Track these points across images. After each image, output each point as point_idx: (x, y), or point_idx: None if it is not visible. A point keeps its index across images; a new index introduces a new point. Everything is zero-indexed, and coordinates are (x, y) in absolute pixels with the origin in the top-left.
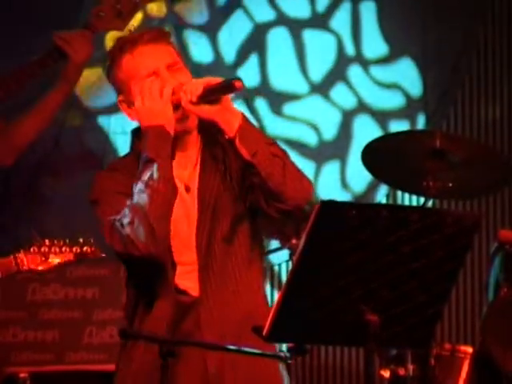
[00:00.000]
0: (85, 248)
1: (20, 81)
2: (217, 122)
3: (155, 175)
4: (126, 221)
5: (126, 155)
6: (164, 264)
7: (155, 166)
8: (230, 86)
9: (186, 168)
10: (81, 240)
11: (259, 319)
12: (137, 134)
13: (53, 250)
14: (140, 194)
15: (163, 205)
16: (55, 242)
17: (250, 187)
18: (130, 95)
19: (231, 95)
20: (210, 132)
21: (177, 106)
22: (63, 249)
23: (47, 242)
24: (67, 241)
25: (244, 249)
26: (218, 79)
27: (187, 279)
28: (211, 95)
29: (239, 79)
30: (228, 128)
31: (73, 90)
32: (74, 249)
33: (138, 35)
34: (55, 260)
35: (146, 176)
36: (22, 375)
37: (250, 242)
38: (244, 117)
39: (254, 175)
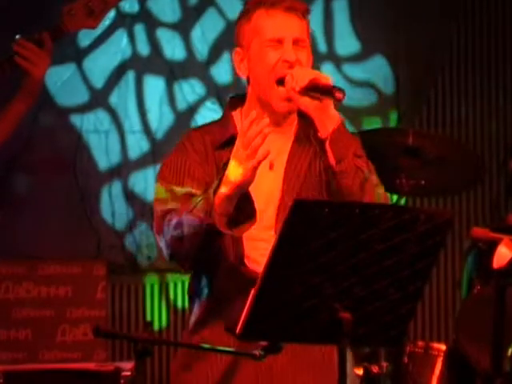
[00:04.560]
0: None
1: None
2: (313, 117)
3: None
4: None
5: (215, 122)
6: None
7: (216, 221)
8: (331, 92)
9: (276, 145)
10: None
11: None
12: (232, 101)
13: None
14: (189, 213)
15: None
16: None
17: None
18: (248, 51)
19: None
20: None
21: (281, 82)
22: None
23: None
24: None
25: None
26: (326, 78)
27: (261, 255)
28: (314, 92)
29: (342, 91)
30: (321, 128)
31: (36, 99)
32: None
33: None
34: None
35: (202, 210)
36: None
37: None
38: (341, 123)
39: (333, 179)
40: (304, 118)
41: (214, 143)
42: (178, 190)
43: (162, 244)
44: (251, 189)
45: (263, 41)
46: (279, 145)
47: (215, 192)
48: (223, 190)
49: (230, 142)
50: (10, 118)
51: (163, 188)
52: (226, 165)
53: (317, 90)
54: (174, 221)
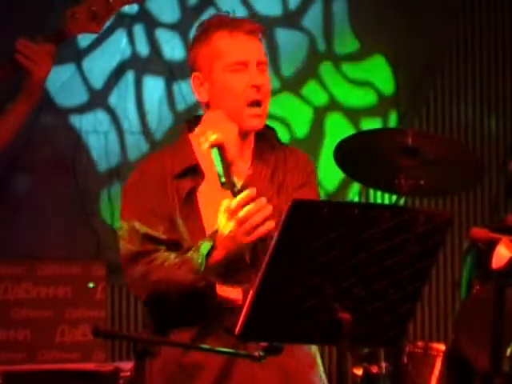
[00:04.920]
0: None
1: None
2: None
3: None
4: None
5: (173, 146)
6: None
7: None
8: (225, 181)
9: (236, 169)
10: None
11: None
12: (189, 123)
13: None
14: (176, 269)
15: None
16: None
17: None
18: (209, 75)
19: None
20: (266, 138)
21: (252, 104)
22: None
23: None
24: None
25: None
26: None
27: (229, 284)
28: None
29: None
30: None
31: (38, 100)
32: None
33: (238, 21)
34: None
35: (191, 271)
36: None
37: None
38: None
39: None
40: (260, 139)
41: (173, 172)
42: (138, 228)
43: (130, 284)
44: (211, 215)
45: (227, 64)
46: (239, 169)
47: (207, 256)
48: (216, 256)
49: (189, 170)
50: (12, 119)
51: (125, 223)
52: (189, 194)
53: (220, 156)
54: (153, 278)
